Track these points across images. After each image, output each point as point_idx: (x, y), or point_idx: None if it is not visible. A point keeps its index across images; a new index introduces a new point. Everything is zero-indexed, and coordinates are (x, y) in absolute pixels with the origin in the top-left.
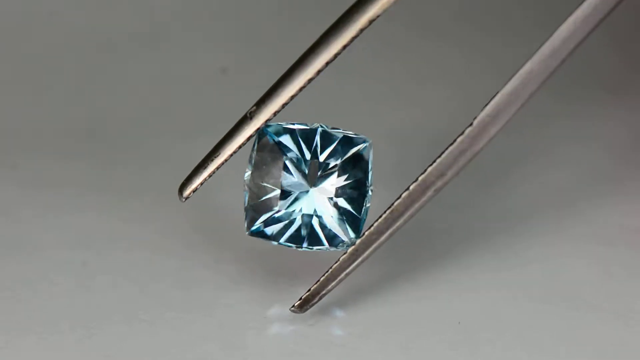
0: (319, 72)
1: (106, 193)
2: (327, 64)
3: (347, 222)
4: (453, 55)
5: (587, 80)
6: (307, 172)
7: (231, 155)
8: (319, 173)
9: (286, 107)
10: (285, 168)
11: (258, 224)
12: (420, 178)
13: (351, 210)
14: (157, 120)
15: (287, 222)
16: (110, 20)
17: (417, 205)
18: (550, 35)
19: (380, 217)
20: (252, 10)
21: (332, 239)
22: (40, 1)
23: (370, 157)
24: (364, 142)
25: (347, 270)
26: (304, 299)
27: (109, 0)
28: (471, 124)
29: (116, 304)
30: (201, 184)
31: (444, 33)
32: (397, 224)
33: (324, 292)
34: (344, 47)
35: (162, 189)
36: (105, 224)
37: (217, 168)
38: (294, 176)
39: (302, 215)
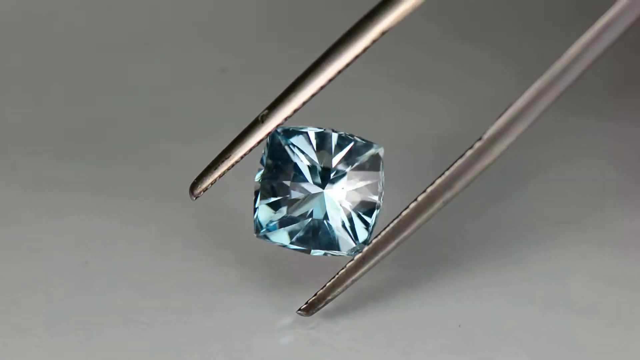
0: (330, 80)
1: (106, 194)
2: (340, 72)
3: (357, 226)
4: (454, 64)
5: (592, 91)
6: (319, 175)
7: (242, 157)
8: (331, 177)
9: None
10: (297, 170)
11: (267, 225)
12: (428, 190)
13: (362, 215)
14: (157, 121)
15: (297, 224)
16: (110, 21)
17: (424, 216)
18: (562, 54)
19: (388, 226)
20: (252, 11)
21: (342, 243)
22: (40, 2)
23: (383, 162)
24: (377, 147)
25: (354, 277)
26: (310, 303)
27: (108, 1)
28: (480, 139)
29: (116, 306)
30: (211, 184)
31: (446, 43)
32: (405, 233)
33: (329, 297)
34: (356, 56)
35: (162, 190)
36: (105, 225)
37: (228, 169)
38: (305, 179)
39: (313, 219)
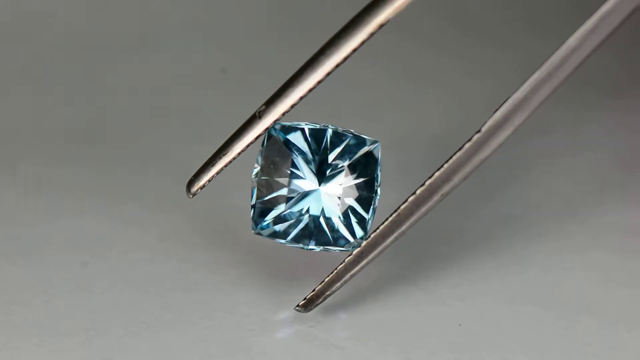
0: (328, 74)
1: (106, 194)
2: (337, 66)
3: (354, 222)
4: (451, 60)
5: (590, 86)
6: (315, 171)
7: (239, 153)
8: (327, 172)
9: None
10: (294, 166)
11: (265, 222)
12: (427, 182)
13: (359, 210)
14: (157, 121)
15: (294, 221)
16: (110, 21)
17: (423, 210)
18: (561, 44)
19: (387, 220)
20: (252, 11)
21: (339, 239)
22: (40, 2)
23: (379, 158)
24: (374, 142)
25: (352, 272)
26: (309, 299)
27: (108, 1)
28: (479, 131)
29: (116, 306)
30: (209, 180)
31: (442, 39)
32: (403, 227)
33: (328, 292)
34: (354, 50)
35: (161, 190)
36: (105, 225)
37: (225, 166)
38: (302, 175)
39: (310, 215)
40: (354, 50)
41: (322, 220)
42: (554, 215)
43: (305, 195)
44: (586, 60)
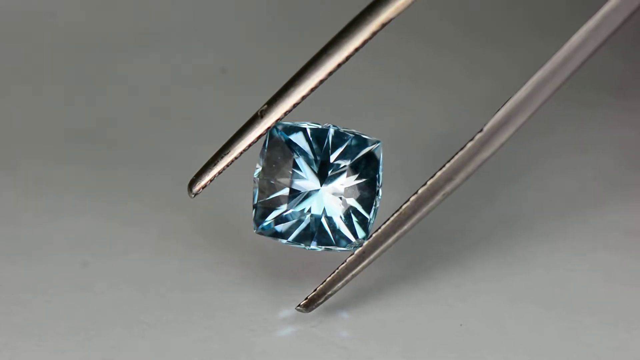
0: (330, 73)
1: (106, 194)
2: (339, 65)
3: (356, 222)
4: (453, 60)
5: (593, 84)
6: (317, 171)
7: (241, 153)
8: (329, 172)
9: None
10: (296, 167)
11: (266, 221)
12: (429, 182)
13: (361, 210)
14: (157, 121)
15: (295, 221)
16: (110, 21)
17: (425, 209)
18: (563, 44)
19: (388, 219)
20: (252, 11)
21: (341, 239)
22: (40, 2)
23: (381, 158)
24: (376, 142)
25: (354, 272)
26: (310, 298)
27: (108, 1)
28: (481, 130)
29: (116, 306)
30: (211, 180)
31: (444, 39)
32: (405, 227)
33: (330, 292)
34: (356, 49)
35: (161, 189)
36: (105, 225)
37: (227, 165)
38: (304, 175)
39: (311, 215)
40: (357, 50)
41: (323, 220)
42: (556, 215)
43: (307, 195)
44: (588, 59)
